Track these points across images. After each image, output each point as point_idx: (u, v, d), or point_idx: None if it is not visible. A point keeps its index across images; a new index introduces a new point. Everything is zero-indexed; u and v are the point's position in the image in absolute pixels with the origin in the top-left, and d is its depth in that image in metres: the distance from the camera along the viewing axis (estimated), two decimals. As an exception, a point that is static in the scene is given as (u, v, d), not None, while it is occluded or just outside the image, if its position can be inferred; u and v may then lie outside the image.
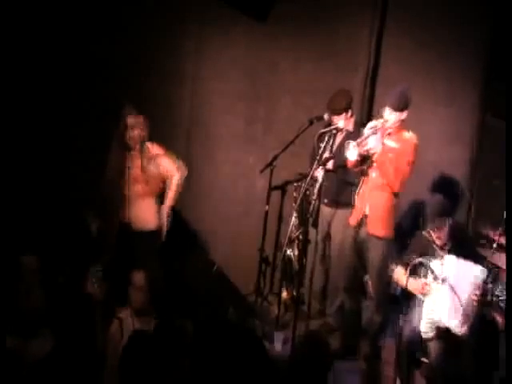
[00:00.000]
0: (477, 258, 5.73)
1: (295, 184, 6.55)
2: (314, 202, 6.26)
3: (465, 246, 5.78)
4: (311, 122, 6.29)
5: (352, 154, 5.84)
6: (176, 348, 4.43)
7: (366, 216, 5.94)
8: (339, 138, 6.31)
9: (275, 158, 6.42)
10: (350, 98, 6.34)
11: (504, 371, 5.12)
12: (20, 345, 5.12)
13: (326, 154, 6.15)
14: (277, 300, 6.68)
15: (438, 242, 5.67)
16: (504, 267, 5.59)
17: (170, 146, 6.27)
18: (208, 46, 7.05)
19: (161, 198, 6.23)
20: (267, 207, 6.60)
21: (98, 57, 6.88)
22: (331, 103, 6.25)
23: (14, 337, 5.18)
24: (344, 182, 6.27)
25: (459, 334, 5.54)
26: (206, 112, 7.16)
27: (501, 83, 6.62)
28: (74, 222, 6.48)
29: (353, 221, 6.02)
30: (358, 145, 5.80)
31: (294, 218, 6.35)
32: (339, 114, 6.23)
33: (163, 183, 6.20)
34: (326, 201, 6.41)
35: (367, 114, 6.88)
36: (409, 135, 5.84)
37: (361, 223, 5.98)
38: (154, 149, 6.18)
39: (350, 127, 6.30)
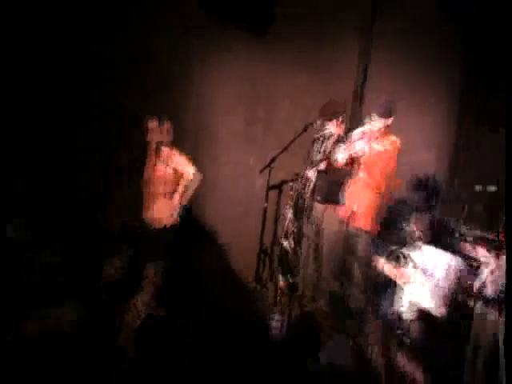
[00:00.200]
0: (454, 250, 5.70)
1: (291, 183, 6.60)
2: (307, 199, 6.44)
3: (442, 238, 5.80)
4: (306, 128, 6.37)
5: (342, 156, 5.95)
6: (175, 346, 4.42)
7: (354, 212, 6.02)
8: (331, 141, 6.34)
9: (273, 159, 6.49)
10: (340, 106, 6.40)
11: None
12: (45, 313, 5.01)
13: (319, 157, 6.30)
14: (274, 287, 6.68)
15: (417, 233, 5.70)
16: (482, 258, 5.55)
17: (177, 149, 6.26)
18: (212, 57, 7.01)
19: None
20: (266, 204, 6.71)
21: (116, 68, 6.81)
22: (324, 111, 6.32)
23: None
24: (335, 182, 6.28)
25: (437, 316, 5.51)
26: (209, 117, 7.11)
27: (476, 94, 6.76)
28: (87, 220, 6.47)
29: (343, 216, 6.10)
30: (348, 148, 5.94)
31: (289, 214, 6.46)
32: (331, 120, 6.31)
33: (177, 185, 6.16)
34: (318, 198, 6.43)
35: (356, 121, 6.87)
36: (393, 139, 5.92)
37: (350, 218, 6.05)
38: (171, 152, 6.14)
39: (341, 132, 6.33)
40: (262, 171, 6.57)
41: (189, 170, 6.11)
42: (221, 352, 4.12)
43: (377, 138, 5.91)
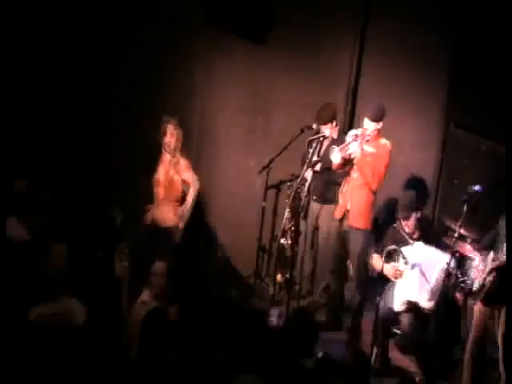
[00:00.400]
0: (441, 246, 5.70)
1: (288, 183, 6.61)
2: (304, 198, 6.42)
3: (431, 235, 5.78)
4: (302, 131, 6.35)
5: (336, 157, 5.89)
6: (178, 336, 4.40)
7: (348, 211, 6.00)
8: (325, 144, 6.33)
9: (271, 161, 6.49)
10: (334, 110, 6.39)
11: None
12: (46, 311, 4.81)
13: (315, 158, 6.25)
14: (272, 281, 6.70)
15: (408, 231, 5.74)
16: (466, 254, 5.53)
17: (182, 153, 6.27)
18: (214, 67, 7.00)
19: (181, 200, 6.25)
20: (264, 203, 6.70)
21: (126, 73, 6.78)
22: (319, 115, 6.30)
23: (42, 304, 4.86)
24: (330, 182, 6.30)
25: (426, 309, 5.56)
26: (212, 123, 7.11)
27: (462, 99, 6.74)
28: (102, 215, 6.35)
29: (337, 214, 6.08)
30: (341, 150, 5.88)
31: (287, 213, 6.33)
32: (326, 123, 6.27)
33: (182, 191, 6.22)
34: (314, 197, 6.46)
35: (349, 124, 6.89)
36: (384, 142, 5.91)
37: (344, 216, 6.03)
38: (180, 159, 6.17)
39: (335, 135, 6.33)
40: (260, 172, 6.57)
41: (193, 178, 6.16)
42: (222, 340, 4.09)
43: (368, 140, 5.87)
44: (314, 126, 6.30)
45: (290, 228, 6.64)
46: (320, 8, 6.85)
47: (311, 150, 6.23)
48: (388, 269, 5.68)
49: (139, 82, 6.79)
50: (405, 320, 5.65)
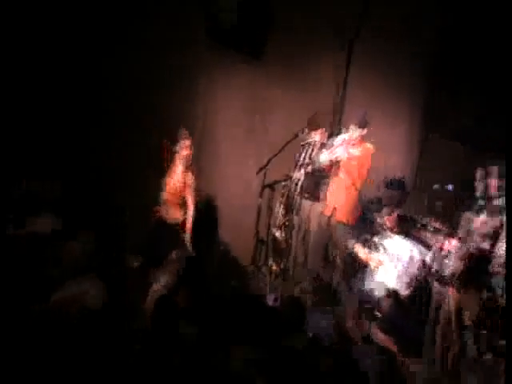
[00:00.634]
0: (417, 239, 5.86)
1: (283, 183, 6.60)
2: (296, 196, 6.48)
3: (408, 230, 5.93)
4: (296, 136, 6.38)
5: (324, 158, 6.03)
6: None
7: (335, 207, 6.10)
8: (316, 148, 6.36)
9: (268, 162, 6.46)
10: (323, 118, 6.53)
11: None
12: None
13: (306, 160, 6.35)
14: (268, 270, 6.72)
15: (389, 225, 5.88)
16: (438, 246, 5.60)
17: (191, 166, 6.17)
18: (216, 75, 6.96)
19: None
20: (260, 200, 6.69)
21: (137, 81, 6.61)
22: (310, 122, 6.35)
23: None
24: (319, 182, 6.40)
25: (403, 295, 5.68)
26: (214, 126, 7.08)
27: (436, 110, 6.79)
28: (113, 214, 6.34)
29: (326, 211, 6.19)
30: (330, 153, 6.03)
31: (281, 209, 6.49)
32: (316, 129, 6.35)
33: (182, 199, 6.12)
34: (305, 195, 6.50)
35: (336, 130, 6.86)
36: (368, 146, 5.99)
37: (332, 213, 6.13)
38: (189, 173, 6.08)
39: (324, 140, 6.36)
40: (258, 172, 6.55)
41: (191, 200, 6.05)
42: (225, 319, 4.12)
43: (354, 144, 5.97)
44: (306, 131, 6.35)
45: (284, 223, 6.66)
46: (311, 26, 6.87)
47: (303, 154, 6.33)
48: (370, 258, 5.80)
49: (146, 88, 6.68)
50: (385, 304, 5.79)
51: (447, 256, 5.25)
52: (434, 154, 6.89)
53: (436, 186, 5.62)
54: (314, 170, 6.37)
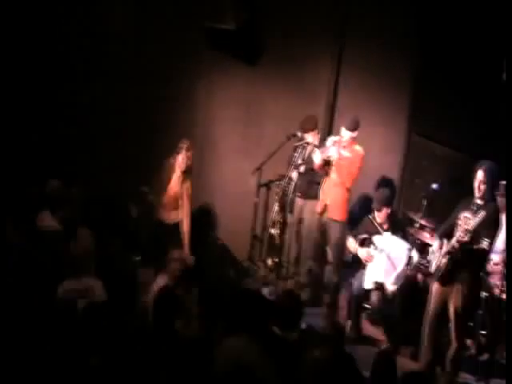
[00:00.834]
0: (405, 235, 5.84)
1: (277, 182, 6.61)
2: (290, 195, 6.47)
3: (396, 226, 5.88)
4: (289, 138, 6.40)
5: (317, 158, 6.00)
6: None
7: (327, 205, 6.07)
8: (308, 149, 6.36)
9: (263, 163, 6.52)
10: (316, 120, 6.45)
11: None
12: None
13: (299, 161, 6.34)
14: (264, 265, 6.78)
15: (379, 222, 5.84)
16: (425, 241, 5.68)
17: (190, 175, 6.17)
18: (215, 84, 7.01)
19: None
20: (256, 199, 6.74)
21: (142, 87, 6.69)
22: (302, 124, 6.34)
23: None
24: (312, 181, 6.36)
25: (391, 287, 5.62)
26: (213, 132, 7.12)
27: (422, 112, 6.76)
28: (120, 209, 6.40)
29: (318, 209, 6.15)
30: (322, 152, 5.97)
31: (276, 207, 6.48)
32: (308, 132, 6.32)
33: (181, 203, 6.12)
34: (299, 194, 6.49)
35: (328, 132, 6.82)
36: (358, 148, 5.98)
37: (324, 210, 6.10)
38: (188, 182, 6.09)
39: (316, 141, 6.35)
40: (253, 173, 6.58)
41: (187, 210, 6.04)
42: (223, 312, 4.03)
43: (345, 146, 5.95)
44: (299, 134, 6.35)
45: (279, 220, 6.68)
46: (302, 34, 6.82)
47: (296, 154, 6.32)
48: (361, 252, 5.81)
49: (150, 96, 6.79)
50: (374, 297, 5.75)
51: (433, 251, 5.16)
52: (420, 154, 6.85)
53: (430, 187, 5.58)
54: (306, 170, 6.36)
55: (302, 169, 6.37)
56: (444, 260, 4.94)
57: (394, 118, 6.93)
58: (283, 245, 6.66)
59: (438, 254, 5.02)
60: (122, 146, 6.76)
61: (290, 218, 6.64)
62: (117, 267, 5.32)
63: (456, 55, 6.29)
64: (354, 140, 5.99)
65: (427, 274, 5.51)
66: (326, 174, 6.10)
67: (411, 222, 5.98)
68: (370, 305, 5.86)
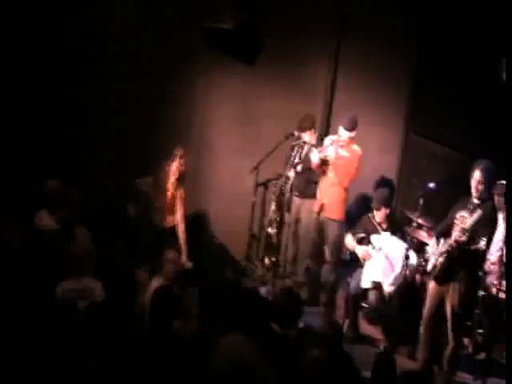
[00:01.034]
0: (402, 233, 5.85)
1: (274, 182, 6.60)
2: (288, 194, 6.47)
3: (394, 225, 5.86)
4: (286, 137, 6.40)
5: (315, 157, 6.00)
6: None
7: (324, 204, 6.06)
8: (306, 148, 6.36)
9: (260, 162, 6.52)
10: (313, 120, 6.45)
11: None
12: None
13: (297, 160, 6.32)
14: (261, 264, 6.78)
15: (378, 221, 5.84)
16: (423, 240, 5.74)
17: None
18: (213, 83, 7.00)
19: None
20: (254, 198, 6.73)
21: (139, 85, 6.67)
22: (300, 124, 6.34)
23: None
24: (309, 180, 6.36)
25: (388, 286, 5.61)
26: (211, 131, 7.12)
27: (420, 112, 6.77)
28: (119, 210, 6.36)
29: (315, 208, 6.14)
30: (320, 151, 5.97)
31: (273, 206, 6.47)
32: (306, 131, 6.33)
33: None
34: (296, 193, 6.50)
35: (325, 131, 6.88)
36: (355, 148, 5.98)
37: (321, 209, 6.10)
38: (181, 188, 6.08)
39: (314, 141, 6.36)
40: (251, 172, 6.59)
41: (181, 215, 6.08)
42: (222, 312, 4.06)
43: (342, 145, 5.95)
44: (296, 133, 6.35)
45: (276, 219, 6.67)
46: (301, 34, 6.83)
47: (294, 154, 6.31)
48: (359, 250, 5.81)
49: (150, 96, 6.79)
50: (371, 296, 5.74)
51: (430, 250, 5.19)
52: (417, 154, 6.87)
53: (428, 186, 5.60)
54: (304, 169, 6.36)
55: (299, 168, 6.35)
56: (441, 259, 4.93)
57: (393, 117, 6.96)
58: (280, 244, 6.65)
59: (435, 253, 5.00)
60: (122, 145, 6.75)
61: (287, 217, 6.65)
62: (116, 267, 5.31)
63: (455, 55, 6.33)
64: (352, 140, 5.98)
65: (424, 273, 5.50)
66: (324, 173, 6.09)
67: (409, 221, 5.99)
68: (367, 304, 5.85)
